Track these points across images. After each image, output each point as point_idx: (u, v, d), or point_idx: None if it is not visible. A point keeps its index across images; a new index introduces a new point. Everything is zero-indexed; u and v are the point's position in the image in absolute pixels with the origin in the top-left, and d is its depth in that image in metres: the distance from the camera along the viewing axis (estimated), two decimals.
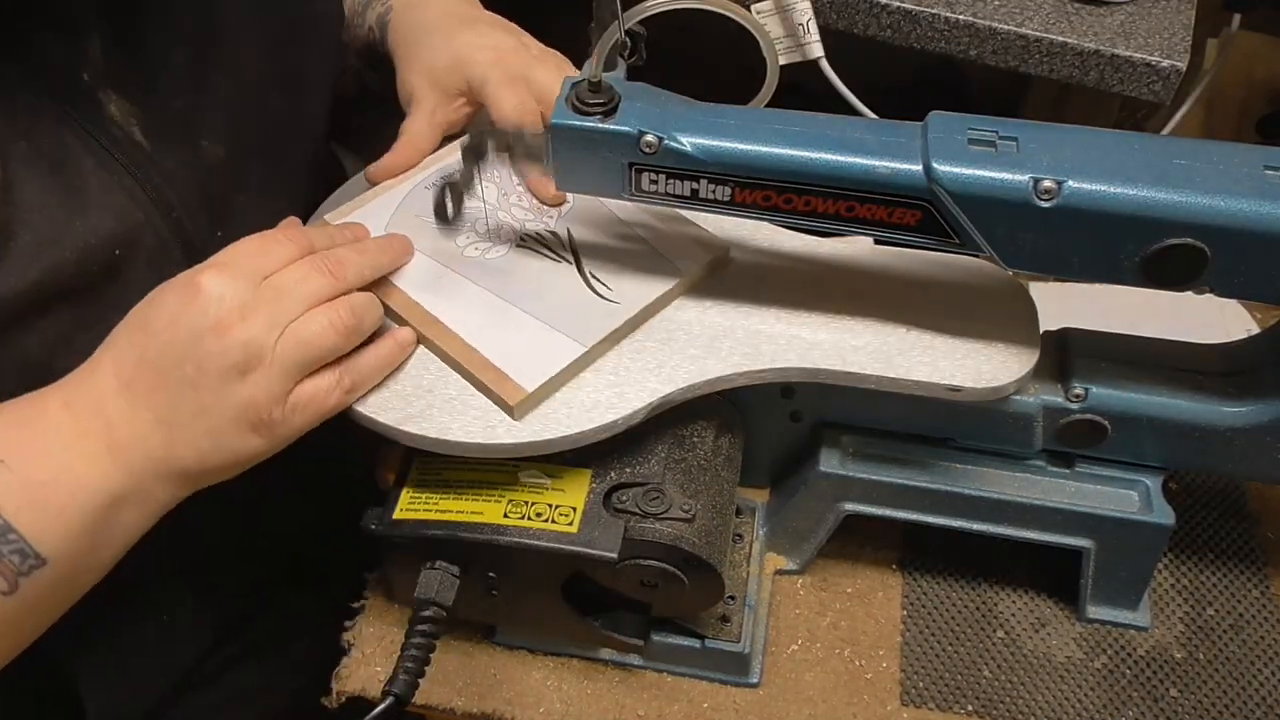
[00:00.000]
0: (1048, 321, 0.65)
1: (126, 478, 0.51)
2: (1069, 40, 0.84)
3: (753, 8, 0.88)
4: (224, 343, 0.51)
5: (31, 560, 0.49)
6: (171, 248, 0.61)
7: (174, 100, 0.62)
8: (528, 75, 0.67)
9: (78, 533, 0.50)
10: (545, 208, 0.69)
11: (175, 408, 0.51)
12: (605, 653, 0.71)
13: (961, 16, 0.86)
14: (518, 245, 0.67)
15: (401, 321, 0.61)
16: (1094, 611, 0.73)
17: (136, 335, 0.52)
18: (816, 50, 0.89)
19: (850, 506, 0.70)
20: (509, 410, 0.58)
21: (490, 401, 0.59)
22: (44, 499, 0.49)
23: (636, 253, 0.67)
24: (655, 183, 0.57)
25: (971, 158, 0.53)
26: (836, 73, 0.90)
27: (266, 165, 0.69)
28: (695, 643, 0.68)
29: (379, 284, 0.61)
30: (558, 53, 0.71)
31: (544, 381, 0.58)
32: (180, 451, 0.52)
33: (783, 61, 0.88)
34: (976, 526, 0.69)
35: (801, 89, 0.88)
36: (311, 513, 0.82)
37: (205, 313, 0.51)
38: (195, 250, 0.62)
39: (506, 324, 0.62)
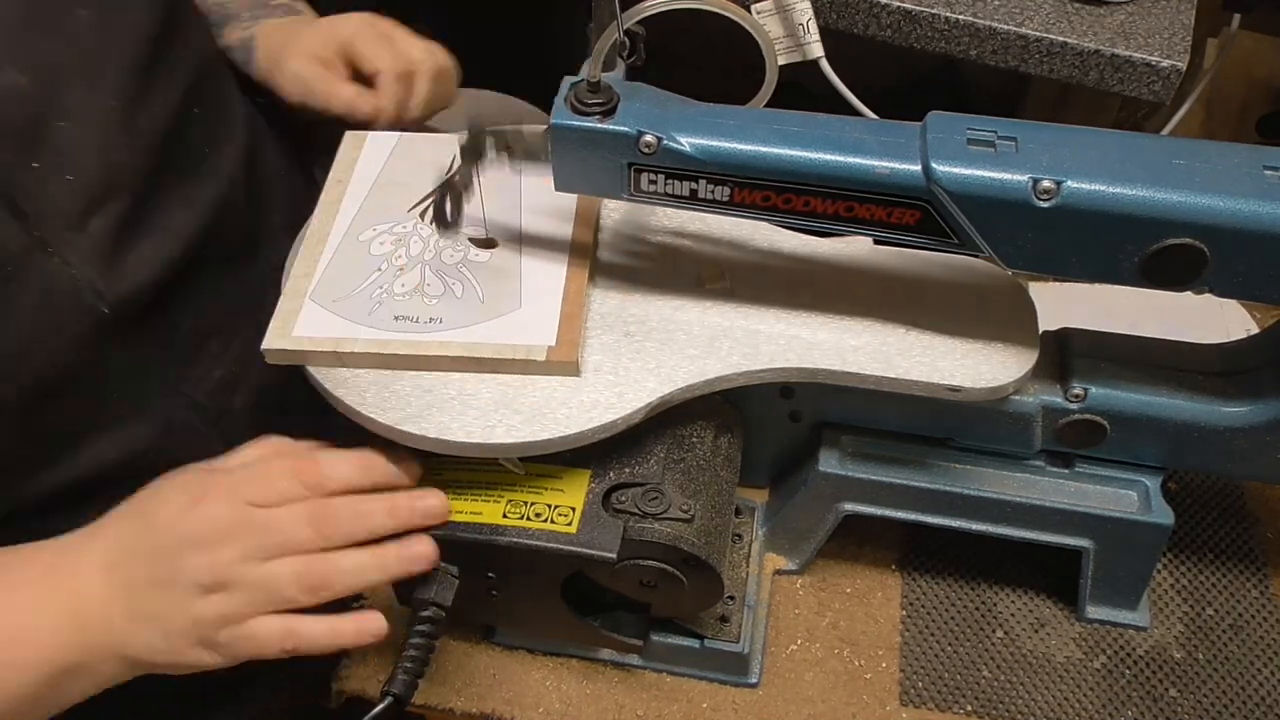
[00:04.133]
0: (1047, 321, 0.65)
1: (83, 653, 0.54)
2: (1069, 40, 0.84)
3: (753, 8, 0.88)
4: (199, 561, 0.54)
5: None
6: None
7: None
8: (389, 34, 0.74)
9: (28, 694, 0.52)
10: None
11: (145, 601, 0.54)
12: (604, 653, 0.71)
13: (961, 16, 0.86)
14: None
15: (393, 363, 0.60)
16: (1093, 611, 0.73)
17: (136, 522, 0.56)
18: (816, 50, 0.89)
19: (850, 506, 0.70)
20: (571, 368, 0.59)
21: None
22: (3, 654, 0.52)
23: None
24: (654, 183, 0.57)
25: (970, 158, 0.53)
26: (836, 73, 0.90)
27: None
28: (695, 643, 0.68)
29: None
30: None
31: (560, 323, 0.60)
32: (135, 640, 0.54)
33: (783, 61, 0.88)
34: (976, 526, 0.69)
35: (801, 89, 0.89)
36: None
37: (197, 528, 0.54)
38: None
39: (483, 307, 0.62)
